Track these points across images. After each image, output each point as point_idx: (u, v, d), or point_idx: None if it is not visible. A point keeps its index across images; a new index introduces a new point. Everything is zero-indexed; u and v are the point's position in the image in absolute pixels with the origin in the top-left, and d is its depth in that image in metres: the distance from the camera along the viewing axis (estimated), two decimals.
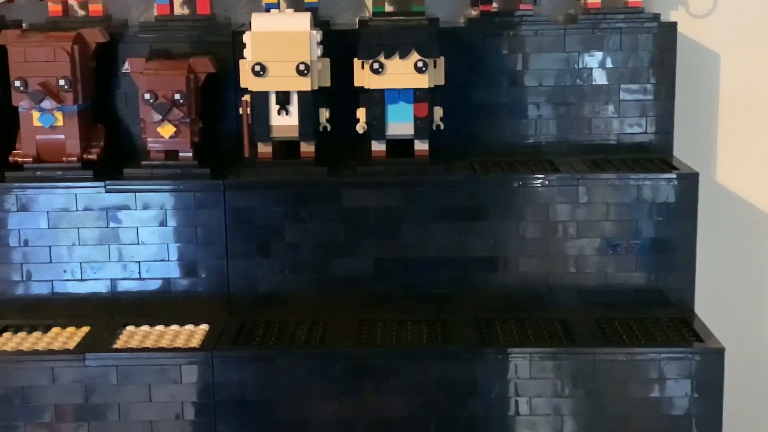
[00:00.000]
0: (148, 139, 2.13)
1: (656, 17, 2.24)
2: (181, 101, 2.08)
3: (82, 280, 2.13)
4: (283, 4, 2.27)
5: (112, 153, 2.20)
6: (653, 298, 2.13)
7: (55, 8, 2.29)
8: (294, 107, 2.10)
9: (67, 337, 2.05)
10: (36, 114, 2.11)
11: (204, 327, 2.09)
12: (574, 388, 1.96)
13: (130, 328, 2.09)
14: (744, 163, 2.42)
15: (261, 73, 2.06)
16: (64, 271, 2.13)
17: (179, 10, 2.32)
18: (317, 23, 2.17)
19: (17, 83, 2.08)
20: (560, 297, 2.13)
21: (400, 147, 2.15)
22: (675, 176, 2.10)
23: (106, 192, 2.10)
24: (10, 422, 1.96)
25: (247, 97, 2.10)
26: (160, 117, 2.09)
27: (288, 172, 2.12)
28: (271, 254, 2.12)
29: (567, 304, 2.13)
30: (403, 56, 2.07)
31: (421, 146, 2.14)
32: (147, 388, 1.95)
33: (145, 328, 2.09)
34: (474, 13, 2.31)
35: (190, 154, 2.13)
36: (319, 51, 2.08)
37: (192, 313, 2.12)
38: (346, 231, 2.11)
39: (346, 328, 2.05)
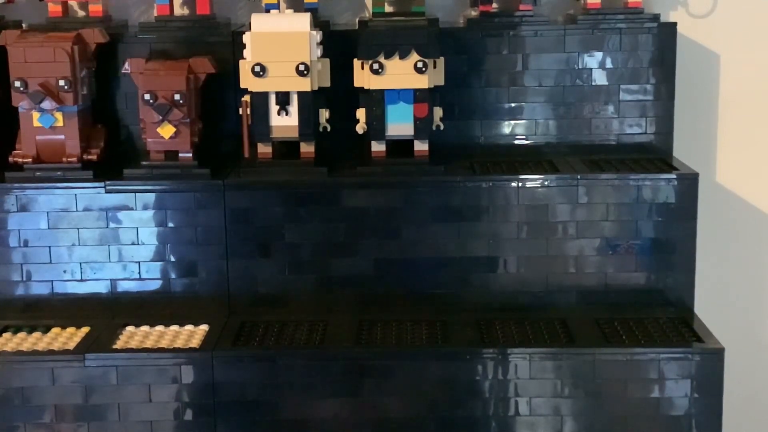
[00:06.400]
0: (148, 140, 2.12)
1: (656, 17, 2.24)
2: (181, 102, 2.08)
3: (82, 280, 2.13)
4: (282, 5, 2.27)
5: (112, 153, 2.20)
6: (653, 298, 2.13)
7: (55, 9, 2.29)
8: (294, 107, 2.10)
9: (67, 337, 2.05)
10: (36, 114, 2.11)
11: (204, 327, 2.09)
12: (574, 388, 1.96)
13: (130, 328, 2.09)
14: (744, 163, 2.42)
15: (261, 73, 2.06)
16: (64, 272, 2.13)
17: (179, 10, 2.32)
18: (317, 23, 2.17)
19: (17, 83, 2.08)
20: (560, 297, 2.13)
21: (400, 147, 2.15)
22: (675, 176, 2.10)
23: (106, 192, 2.10)
24: (10, 422, 1.96)
25: (247, 98, 2.10)
26: (160, 117, 2.09)
27: (288, 173, 2.12)
28: (271, 254, 2.11)
29: (567, 304, 2.13)
30: (402, 57, 2.07)
31: (421, 146, 2.14)
32: (147, 389, 1.95)
33: (144, 328, 2.09)
34: (474, 13, 2.31)
35: (190, 155, 2.13)
36: (319, 51, 2.08)
37: (192, 314, 2.12)
38: (346, 231, 2.11)
39: (346, 328, 2.05)
